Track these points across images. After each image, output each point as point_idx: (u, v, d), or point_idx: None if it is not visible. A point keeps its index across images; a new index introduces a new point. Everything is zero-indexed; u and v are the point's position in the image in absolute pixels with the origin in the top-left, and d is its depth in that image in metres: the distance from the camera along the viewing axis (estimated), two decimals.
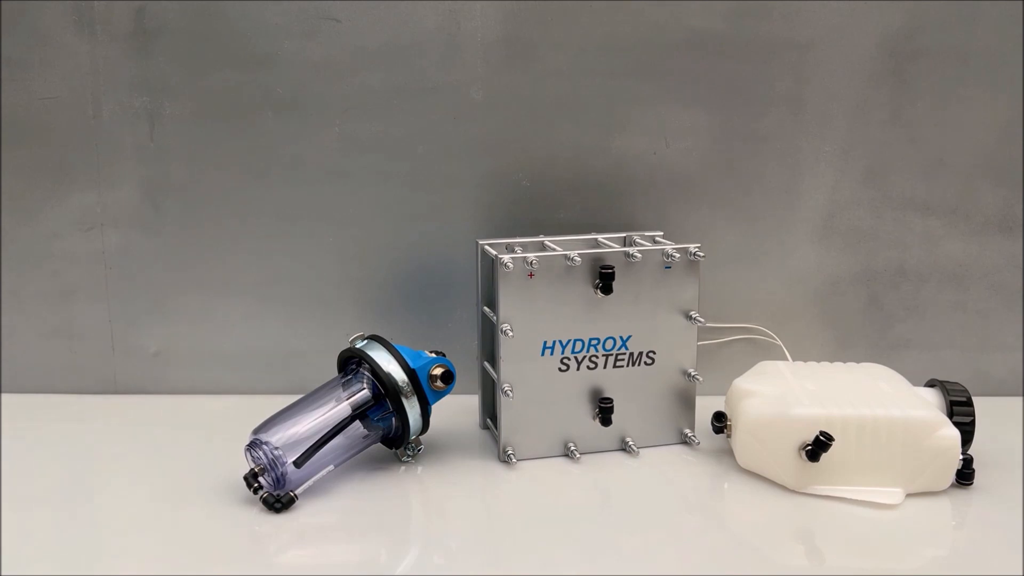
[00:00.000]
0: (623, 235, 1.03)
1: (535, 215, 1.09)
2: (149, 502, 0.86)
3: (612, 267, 0.92)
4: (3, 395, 1.13)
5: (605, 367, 0.95)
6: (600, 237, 1.02)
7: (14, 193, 1.10)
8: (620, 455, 0.97)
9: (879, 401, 0.87)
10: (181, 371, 1.14)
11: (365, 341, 0.93)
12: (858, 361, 1.00)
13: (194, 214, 1.10)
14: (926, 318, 1.12)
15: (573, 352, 0.94)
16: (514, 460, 0.94)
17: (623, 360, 0.95)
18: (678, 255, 0.94)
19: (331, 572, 0.75)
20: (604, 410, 0.94)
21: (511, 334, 0.91)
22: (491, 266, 0.96)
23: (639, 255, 0.93)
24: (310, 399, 0.90)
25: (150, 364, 1.14)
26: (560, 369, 0.94)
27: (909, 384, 0.93)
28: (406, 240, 1.10)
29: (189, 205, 1.10)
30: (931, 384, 0.95)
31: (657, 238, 1.03)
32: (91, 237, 1.11)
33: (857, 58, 1.06)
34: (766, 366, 0.97)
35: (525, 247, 0.99)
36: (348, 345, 0.93)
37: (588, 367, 0.95)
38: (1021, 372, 1.12)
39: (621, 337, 0.95)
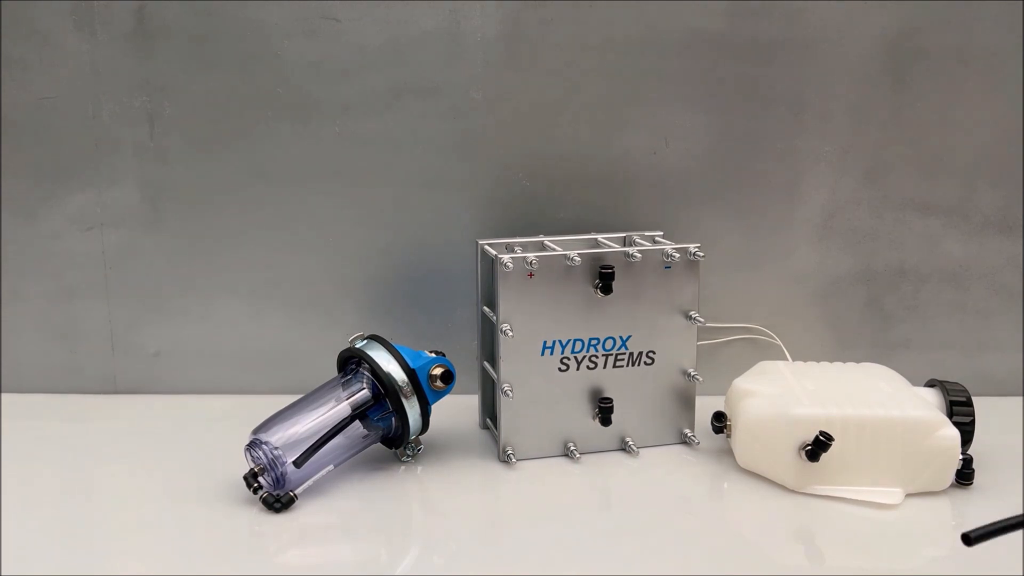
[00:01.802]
0: (623, 235, 1.03)
1: (535, 215, 1.09)
2: (149, 502, 0.86)
3: (612, 267, 0.91)
4: (3, 395, 1.13)
5: (605, 367, 0.95)
6: (600, 237, 1.02)
7: (14, 193, 1.10)
8: (620, 455, 0.97)
9: (879, 401, 0.87)
10: (181, 371, 1.14)
11: (365, 341, 0.93)
12: (858, 361, 1.00)
13: (194, 214, 1.10)
14: (926, 318, 1.12)
15: (573, 352, 0.94)
16: (514, 460, 0.93)
17: (623, 360, 0.95)
18: (678, 255, 0.94)
19: (331, 572, 0.75)
20: (604, 410, 0.94)
21: (511, 334, 0.91)
22: (491, 266, 0.96)
23: (639, 255, 0.92)
24: (310, 399, 0.90)
25: (150, 364, 1.14)
26: (560, 369, 0.94)
27: (909, 384, 0.93)
28: (406, 240, 1.10)
29: (189, 205, 1.10)
30: (931, 384, 0.95)
31: (657, 238, 1.03)
32: (91, 237, 1.11)
33: (857, 58, 1.06)
34: (766, 366, 0.97)
35: (525, 247, 0.99)
36: (348, 345, 0.93)
37: (588, 367, 0.95)
38: (1021, 372, 1.12)
39: (621, 337, 0.95)
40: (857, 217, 1.10)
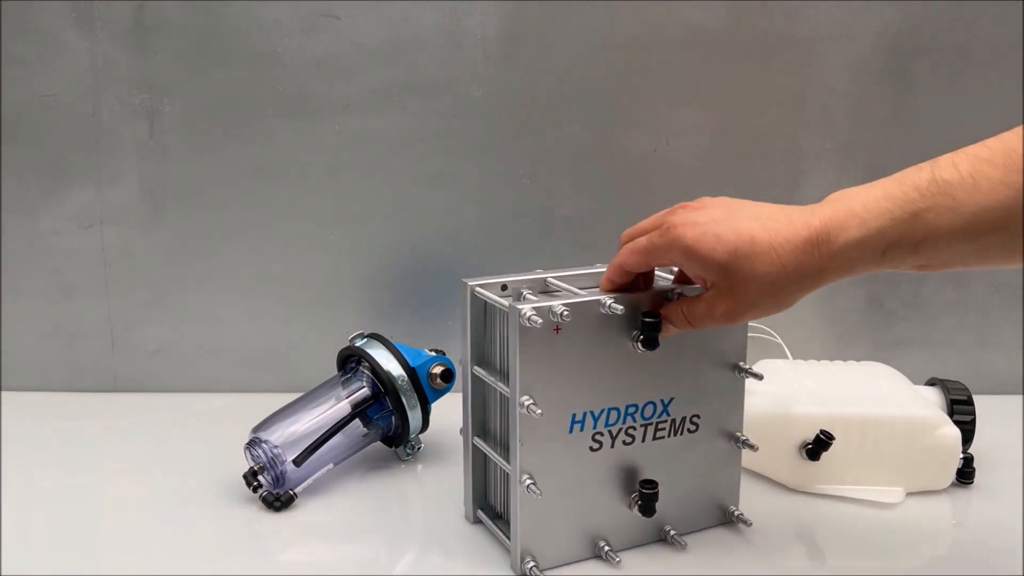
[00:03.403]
0: None
1: (534, 212, 1.09)
2: (148, 500, 0.86)
3: (658, 315, 0.71)
4: (2, 393, 1.13)
5: (643, 440, 0.75)
6: None
7: (13, 191, 1.10)
8: (662, 550, 0.77)
9: (880, 400, 0.87)
10: (180, 369, 1.14)
11: (364, 339, 0.93)
12: (858, 359, 0.99)
13: (193, 211, 1.10)
14: (927, 316, 1.12)
15: (607, 425, 0.73)
16: (538, 573, 0.72)
17: (664, 429, 0.76)
18: None
19: (331, 571, 0.75)
20: (646, 497, 0.74)
21: (537, 411, 0.69)
22: (482, 313, 0.77)
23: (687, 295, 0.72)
24: (310, 397, 0.90)
25: (149, 362, 1.14)
26: (592, 448, 0.73)
27: (909, 382, 0.93)
28: (405, 237, 1.10)
29: (188, 203, 1.10)
30: (931, 383, 0.95)
31: (675, 269, 0.80)
32: (90, 235, 1.11)
33: (858, 55, 1.06)
34: (766, 364, 0.97)
35: (524, 287, 0.77)
36: (347, 343, 0.93)
37: (624, 442, 0.75)
38: (1021, 370, 1.12)
39: (662, 401, 0.75)
40: None
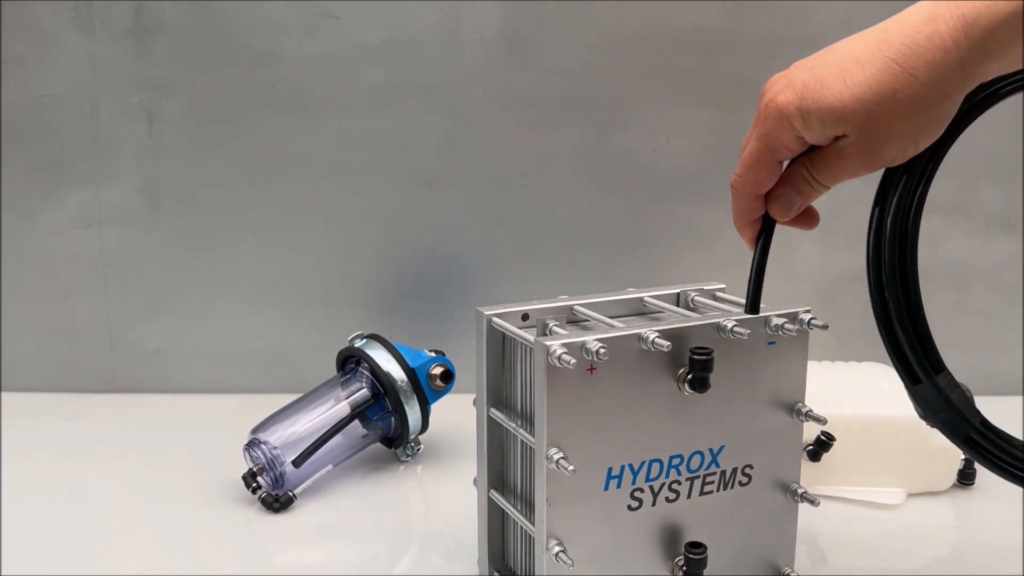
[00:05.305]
0: (673, 291, 0.74)
1: (534, 212, 1.09)
2: (147, 501, 0.86)
3: (710, 353, 0.61)
4: (2, 393, 1.13)
5: (689, 495, 0.66)
6: (645, 296, 0.72)
7: (12, 191, 1.10)
8: None
9: (880, 400, 0.87)
10: (180, 369, 1.14)
11: (364, 340, 0.92)
12: (859, 360, 0.99)
13: (193, 212, 1.10)
14: (927, 317, 1.12)
15: (648, 479, 0.64)
16: None
17: (712, 482, 0.66)
18: (787, 324, 0.66)
19: (330, 572, 0.75)
20: (693, 563, 0.63)
21: (569, 468, 0.59)
22: (500, 347, 0.67)
23: (745, 332, 0.64)
24: (309, 398, 0.90)
25: (149, 362, 1.14)
26: (630, 507, 0.64)
27: None
28: (405, 238, 1.10)
29: (188, 203, 1.10)
30: None
31: (719, 294, 0.75)
32: (89, 235, 1.11)
33: None
34: None
35: (549, 316, 0.66)
36: (347, 344, 0.93)
37: (667, 498, 0.65)
38: (1022, 371, 1.12)
39: (711, 450, 0.66)
40: (859, 216, 1.10)
